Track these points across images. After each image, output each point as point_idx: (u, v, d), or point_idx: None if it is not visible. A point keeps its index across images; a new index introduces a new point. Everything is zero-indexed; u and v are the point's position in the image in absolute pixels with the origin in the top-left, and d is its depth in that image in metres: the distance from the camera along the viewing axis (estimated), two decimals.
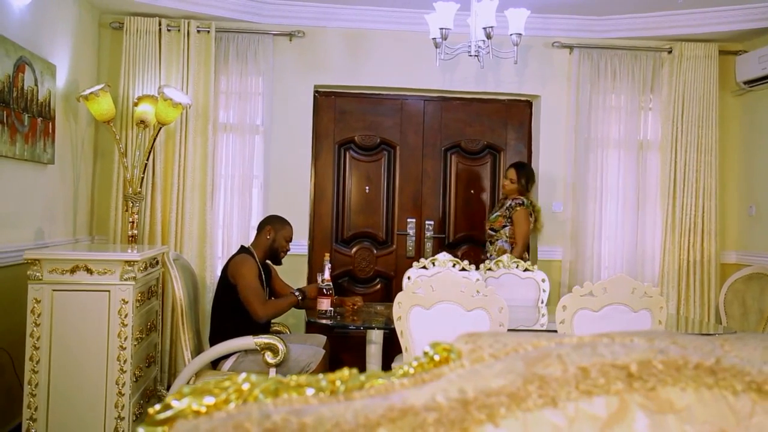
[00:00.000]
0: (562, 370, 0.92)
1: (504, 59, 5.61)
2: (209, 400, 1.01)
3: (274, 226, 4.29)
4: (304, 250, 5.78)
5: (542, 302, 4.91)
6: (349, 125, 6.08)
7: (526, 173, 5.53)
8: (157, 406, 1.03)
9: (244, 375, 1.07)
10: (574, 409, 0.91)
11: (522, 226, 5.37)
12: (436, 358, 1.07)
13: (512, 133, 6.21)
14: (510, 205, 5.38)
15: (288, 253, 4.42)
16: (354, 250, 6.11)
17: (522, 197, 5.45)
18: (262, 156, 5.78)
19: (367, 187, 6.12)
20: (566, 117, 5.99)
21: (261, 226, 4.36)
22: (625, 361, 0.92)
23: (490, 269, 5.01)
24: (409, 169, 6.12)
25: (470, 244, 6.07)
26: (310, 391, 1.04)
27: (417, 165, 6.10)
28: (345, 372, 1.08)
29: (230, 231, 5.70)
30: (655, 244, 6.00)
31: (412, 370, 1.07)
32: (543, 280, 4.97)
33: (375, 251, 6.12)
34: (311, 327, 5.13)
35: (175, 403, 1.01)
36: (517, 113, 6.22)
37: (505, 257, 5.06)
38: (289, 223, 4.43)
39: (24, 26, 4.18)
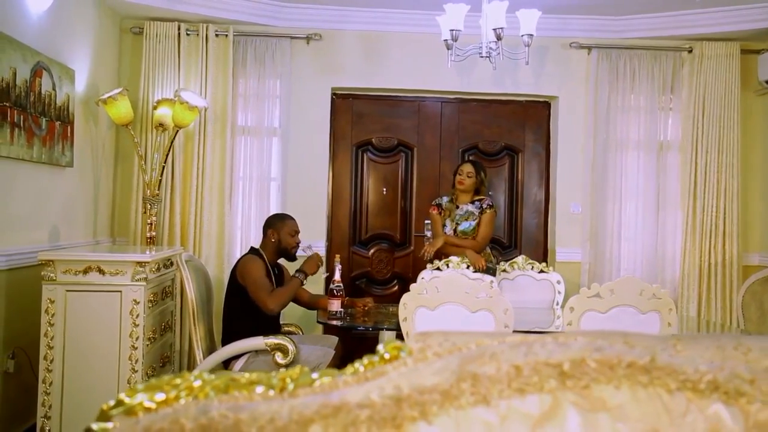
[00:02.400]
0: (495, 368, 0.93)
1: (522, 60, 5.61)
2: (160, 397, 1.03)
3: (274, 227, 4.31)
4: (322, 252, 5.80)
5: (557, 304, 4.88)
6: (366, 127, 6.11)
7: (479, 164, 5.28)
8: (111, 402, 1.05)
9: (196, 372, 1.09)
10: (507, 407, 0.92)
11: (490, 227, 5.10)
12: (387, 356, 1.08)
13: (530, 135, 6.19)
14: (483, 207, 5.08)
15: (299, 245, 4.40)
16: (371, 251, 6.14)
17: (485, 197, 5.18)
18: (279, 158, 5.83)
19: (384, 189, 6.14)
20: (585, 118, 5.96)
21: (264, 230, 4.39)
22: (559, 360, 0.93)
23: (504, 271, 5.00)
24: (426, 170, 6.12)
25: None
26: (259, 389, 1.05)
27: (434, 167, 6.11)
28: (296, 370, 1.10)
29: (248, 233, 5.75)
30: (675, 245, 5.94)
31: (362, 369, 1.08)
32: (558, 282, 4.95)
33: (392, 253, 6.13)
34: (329, 329, 5.16)
35: (127, 400, 1.03)
36: (535, 114, 6.19)
37: (519, 259, 5.05)
38: (289, 218, 4.43)
39: (42, 32, 4.26)
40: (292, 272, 4.60)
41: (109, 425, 1.00)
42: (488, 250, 5.17)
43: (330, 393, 0.99)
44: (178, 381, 1.06)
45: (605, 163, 5.92)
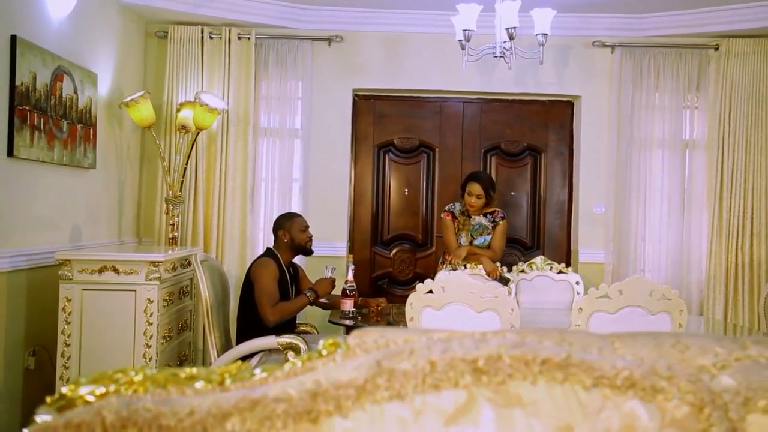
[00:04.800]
0: (412, 363, 0.94)
1: (546, 60, 5.56)
2: (100, 390, 1.06)
3: (284, 227, 4.34)
4: (343, 252, 5.83)
5: None
6: (388, 128, 6.12)
7: (488, 181, 5.07)
8: (56, 395, 1.08)
9: (138, 366, 1.12)
10: (422, 402, 0.92)
11: (504, 238, 5.06)
12: (324, 352, 1.10)
13: (553, 135, 6.15)
14: (496, 220, 5.01)
15: (312, 238, 4.41)
16: (393, 252, 6.15)
17: (497, 209, 5.09)
18: (301, 159, 5.87)
19: (406, 190, 6.14)
20: (608, 117, 5.90)
21: (274, 233, 4.42)
22: (474, 356, 0.93)
23: (522, 271, 4.97)
24: (448, 171, 6.11)
25: (509, 246, 5.97)
26: (199, 384, 1.07)
27: (456, 167, 6.10)
28: (236, 365, 1.12)
29: (270, 234, 5.78)
30: (701, 246, 5.84)
31: (299, 365, 1.10)
32: (577, 283, 4.91)
33: (414, 253, 6.13)
34: (350, 329, 5.18)
35: (69, 393, 1.06)
36: (557, 114, 6.15)
37: (538, 259, 5.02)
38: (295, 215, 4.49)
39: (63, 37, 4.36)
40: (306, 272, 4.64)
41: (48, 418, 1.03)
42: (498, 263, 4.99)
43: (255, 388, 1.00)
44: (119, 375, 1.08)
45: (629, 162, 5.85)
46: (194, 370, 1.10)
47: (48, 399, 1.07)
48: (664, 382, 0.92)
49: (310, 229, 4.41)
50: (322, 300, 4.32)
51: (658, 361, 1.00)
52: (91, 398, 1.04)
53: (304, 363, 1.08)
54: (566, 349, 0.96)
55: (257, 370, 1.11)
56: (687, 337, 1.10)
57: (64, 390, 1.05)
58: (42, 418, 1.04)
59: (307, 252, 4.39)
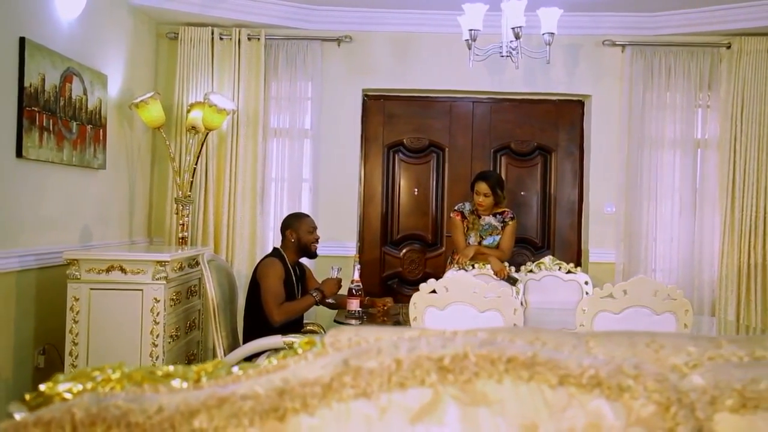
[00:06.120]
0: (378, 362, 0.94)
1: (557, 59, 5.55)
2: (78, 388, 1.07)
3: (292, 227, 4.36)
4: (353, 252, 5.83)
5: None
6: (397, 128, 6.12)
7: (496, 180, 5.02)
8: (35, 392, 1.10)
9: (116, 364, 1.13)
10: (387, 400, 0.93)
11: (513, 239, 5.03)
12: (299, 351, 1.10)
13: (563, 134, 6.12)
14: (505, 221, 4.99)
15: (318, 240, 4.40)
16: (403, 252, 6.15)
17: (507, 209, 5.06)
18: (311, 159, 5.89)
19: (415, 190, 6.14)
20: (619, 116, 5.86)
21: (282, 232, 4.44)
22: (440, 354, 0.93)
23: (531, 271, 4.96)
24: (458, 171, 6.10)
25: (519, 246, 5.95)
26: (175, 382, 1.08)
27: (466, 167, 6.08)
28: (213, 363, 1.13)
29: (280, 234, 5.81)
30: (713, 246, 5.79)
31: (275, 362, 1.10)
32: (586, 282, 4.88)
33: (424, 253, 6.13)
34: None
35: (47, 390, 1.07)
36: (568, 113, 6.12)
37: (546, 259, 5.00)
38: (304, 215, 4.50)
39: (72, 39, 4.40)
40: (314, 272, 4.66)
41: (24, 415, 1.04)
42: (507, 263, 4.97)
43: (226, 386, 1.01)
44: (96, 373, 1.09)
45: (640, 162, 5.81)
46: (171, 368, 1.11)
47: (27, 396, 1.08)
48: (631, 381, 0.92)
49: (318, 231, 4.42)
50: (329, 300, 4.32)
51: (628, 359, 1.00)
52: (68, 396, 1.05)
53: (279, 361, 1.09)
54: (535, 347, 0.96)
55: (235, 368, 1.12)
56: (662, 336, 1.09)
57: (42, 387, 1.06)
58: (19, 414, 1.05)
59: (311, 255, 4.40)
